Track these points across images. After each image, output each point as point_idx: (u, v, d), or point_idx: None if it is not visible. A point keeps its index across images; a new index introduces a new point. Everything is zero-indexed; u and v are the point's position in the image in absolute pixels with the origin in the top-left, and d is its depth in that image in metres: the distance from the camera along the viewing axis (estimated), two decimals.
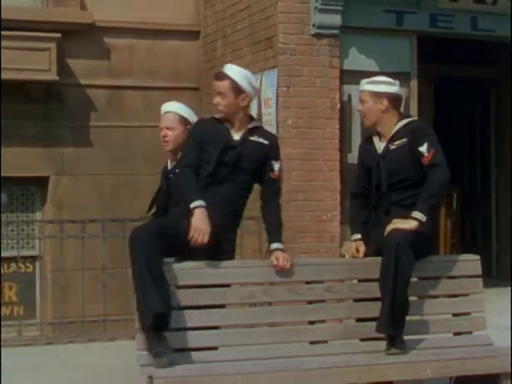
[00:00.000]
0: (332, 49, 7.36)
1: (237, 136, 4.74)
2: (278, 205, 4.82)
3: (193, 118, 5.16)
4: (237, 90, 4.69)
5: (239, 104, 4.71)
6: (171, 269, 4.23)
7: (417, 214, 4.50)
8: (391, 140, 4.84)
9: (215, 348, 4.25)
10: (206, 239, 4.37)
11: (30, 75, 8.29)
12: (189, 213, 4.49)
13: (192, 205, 4.50)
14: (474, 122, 10.40)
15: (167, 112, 5.14)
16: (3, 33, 8.20)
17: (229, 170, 4.68)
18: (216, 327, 4.29)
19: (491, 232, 10.11)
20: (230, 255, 4.62)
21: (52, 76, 8.35)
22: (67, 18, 8.56)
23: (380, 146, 4.86)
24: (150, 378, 3.75)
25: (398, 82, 4.96)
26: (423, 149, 4.70)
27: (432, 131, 4.90)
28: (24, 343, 7.07)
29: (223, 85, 4.73)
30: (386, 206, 4.76)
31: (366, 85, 4.91)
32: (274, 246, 4.61)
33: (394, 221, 4.52)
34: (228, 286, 4.44)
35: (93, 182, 8.85)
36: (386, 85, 4.89)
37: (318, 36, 7.30)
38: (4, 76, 8.21)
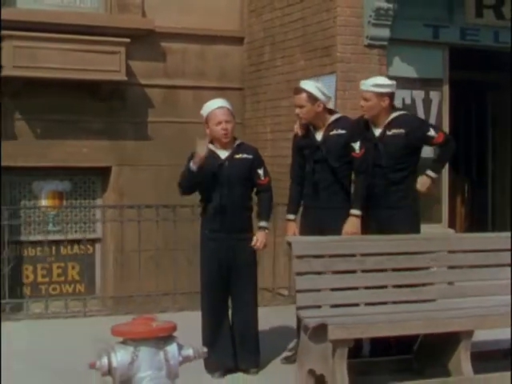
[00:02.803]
0: (380, 58, 8.46)
1: (319, 136, 5.89)
2: (359, 179, 5.85)
3: None
4: (312, 99, 5.84)
5: (316, 110, 5.88)
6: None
7: None
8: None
9: (357, 304, 5.36)
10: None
11: (102, 76, 9.22)
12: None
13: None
14: (473, 120, 11.69)
15: (221, 107, 5.71)
16: (77, 37, 9.11)
17: (322, 165, 5.86)
18: (353, 288, 5.41)
19: (487, 219, 11.42)
20: None
21: (121, 77, 9.30)
22: (132, 25, 9.51)
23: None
24: (325, 325, 4.83)
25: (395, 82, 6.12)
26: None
27: None
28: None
29: (301, 97, 5.89)
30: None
31: (372, 87, 5.92)
32: (352, 211, 5.73)
33: None
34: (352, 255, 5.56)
35: (151, 172, 9.83)
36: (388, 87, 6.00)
37: (369, 46, 8.39)
38: (77, 76, 9.13)
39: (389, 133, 5.86)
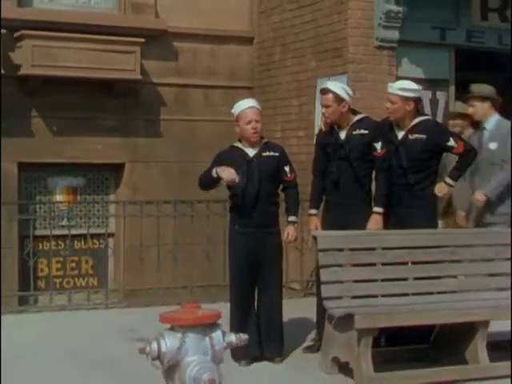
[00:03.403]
0: (390, 59, 8.73)
1: (343, 134, 6.16)
2: (379, 178, 6.12)
3: None
4: (338, 100, 6.12)
5: (341, 110, 6.16)
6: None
7: None
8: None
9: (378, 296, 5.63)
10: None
11: (117, 74, 9.40)
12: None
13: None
14: None
15: (252, 107, 5.98)
16: (94, 37, 9.30)
17: (344, 163, 6.11)
18: (375, 280, 5.68)
19: None
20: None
21: (136, 75, 9.48)
22: (146, 25, 9.71)
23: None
24: (351, 314, 5.11)
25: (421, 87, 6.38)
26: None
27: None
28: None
29: (328, 97, 6.18)
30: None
31: (398, 90, 6.23)
32: (374, 209, 6.03)
33: None
34: (374, 249, 5.83)
35: (162, 168, 10.06)
36: (413, 92, 6.26)
37: (380, 48, 8.65)
38: (93, 75, 9.32)
39: (411, 137, 6.14)
